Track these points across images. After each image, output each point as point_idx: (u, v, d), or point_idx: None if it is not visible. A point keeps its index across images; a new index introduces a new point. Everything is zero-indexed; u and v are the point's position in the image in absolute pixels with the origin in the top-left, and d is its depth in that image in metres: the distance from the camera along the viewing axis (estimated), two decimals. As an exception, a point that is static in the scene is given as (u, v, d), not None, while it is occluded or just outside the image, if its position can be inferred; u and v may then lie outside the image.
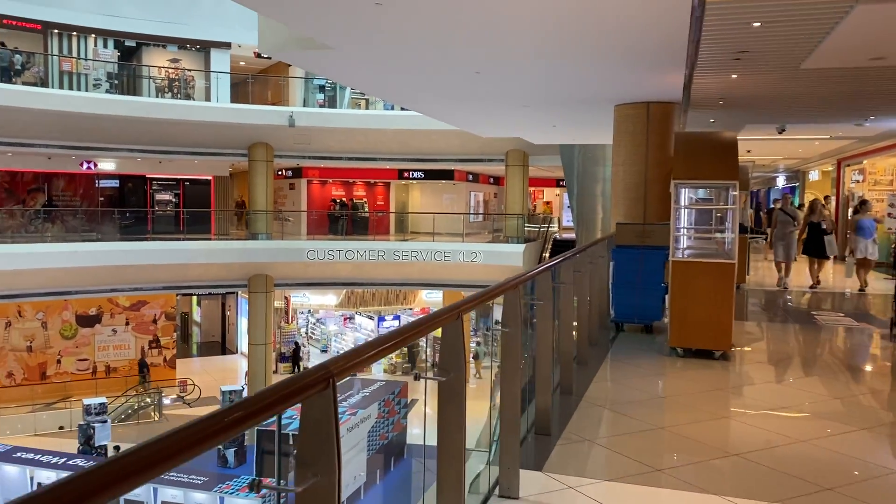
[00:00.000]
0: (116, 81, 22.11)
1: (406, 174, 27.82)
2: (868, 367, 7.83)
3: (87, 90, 20.95)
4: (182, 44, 23.45)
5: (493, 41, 7.33)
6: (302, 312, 30.15)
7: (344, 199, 28.14)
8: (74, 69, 21.64)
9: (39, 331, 23.15)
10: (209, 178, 26.15)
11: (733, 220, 7.31)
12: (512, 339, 3.76)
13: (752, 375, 7.04)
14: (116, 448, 17.39)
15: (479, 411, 4.64)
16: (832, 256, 13.44)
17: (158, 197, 25.40)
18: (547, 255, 23.53)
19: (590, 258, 7.37)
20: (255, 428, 13.85)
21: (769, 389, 6.54)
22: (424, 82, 9.99)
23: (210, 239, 22.98)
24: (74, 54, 22.05)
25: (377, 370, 26.83)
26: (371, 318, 28.22)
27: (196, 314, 32.51)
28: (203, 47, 23.61)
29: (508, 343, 3.79)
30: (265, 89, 25.80)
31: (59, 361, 23.45)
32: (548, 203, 34.78)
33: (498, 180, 31.29)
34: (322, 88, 24.66)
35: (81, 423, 17.39)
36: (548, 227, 25.52)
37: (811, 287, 12.95)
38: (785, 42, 6.82)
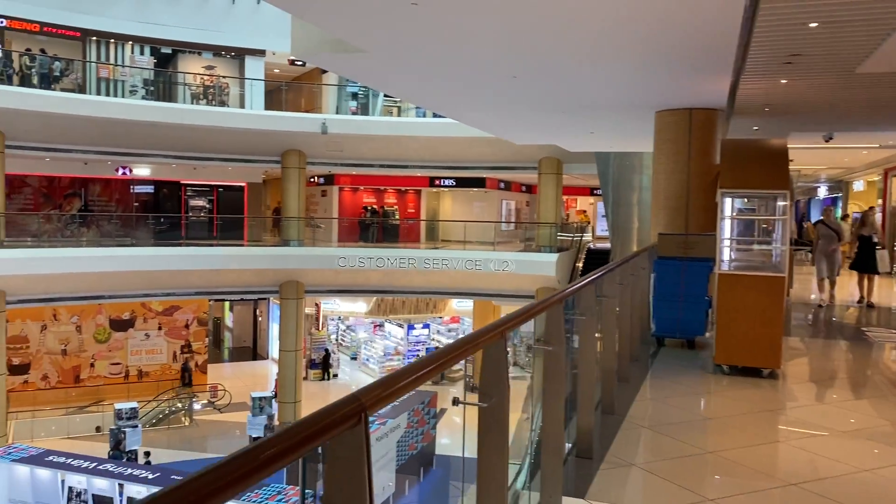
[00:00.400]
0: (152, 88, 22.32)
1: (437, 182, 27.62)
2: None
3: (123, 97, 21.17)
4: (217, 51, 23.62)
5: (532, 43, 7.08)
6: (332, 319, 30.12)
7: (375, 206, 28.05)
8: (112, 76, 21.89)
9: (74, 334, 23.40)
10: (243, 184, 26.27)
11: (783, 232, 6.94)
12: (555, 358, 3.50)
13: (803, 396, 6.66)
14: (147, 453, 17.41)
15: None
16: (884, 272, 12.38)
17: (192, 203, 25.56)
18: (580, 265, 23.12)
19: (632, 270, 7.06)
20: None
21: (822, 411, 6.16)
22: (460, 87, 9.77)
23: (243, 245, 23.04)
24: (112, 61, 22.32)
25: (407, 379, 26.62)
26: (401, 325, 28.06)
27: (228, 319, 32.69)
28: (238, 55, 23.75)
29: (552, 362, 3.52)
30: (298, 97, 25.87)
31: (92, 365, 23.68)
32: (584, 212, 34.31)
33: (530, 188, 30.96)
34: (355, 96, 24.63)
35: (112, 427, 17.48)
36: (581, 237, 25.08)
37: (858, 302, 12.15)
38: (841, 45, 6.46)
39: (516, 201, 32.30)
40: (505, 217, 30.41)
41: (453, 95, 10.61)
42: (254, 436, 17.71)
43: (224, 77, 23.58)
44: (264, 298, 28.26)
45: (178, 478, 8.92)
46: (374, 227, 25.35)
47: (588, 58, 7.72)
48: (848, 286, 13.36)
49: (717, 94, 9.25)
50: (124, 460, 16.37)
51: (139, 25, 22.01)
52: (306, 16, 6.51)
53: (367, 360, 28.15)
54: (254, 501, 8.72)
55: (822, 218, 12.76)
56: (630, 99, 10.02)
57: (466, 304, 28.05)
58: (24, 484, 12.51)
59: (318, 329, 28.64)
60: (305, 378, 24.63)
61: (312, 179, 27.59)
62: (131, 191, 24.74)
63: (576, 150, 19.28)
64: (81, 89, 20.72)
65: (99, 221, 22.94)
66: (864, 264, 11.97)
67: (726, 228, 7.39)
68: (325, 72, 25.07)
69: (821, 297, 12.11)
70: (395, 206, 28.94)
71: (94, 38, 21.95)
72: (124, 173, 23.76)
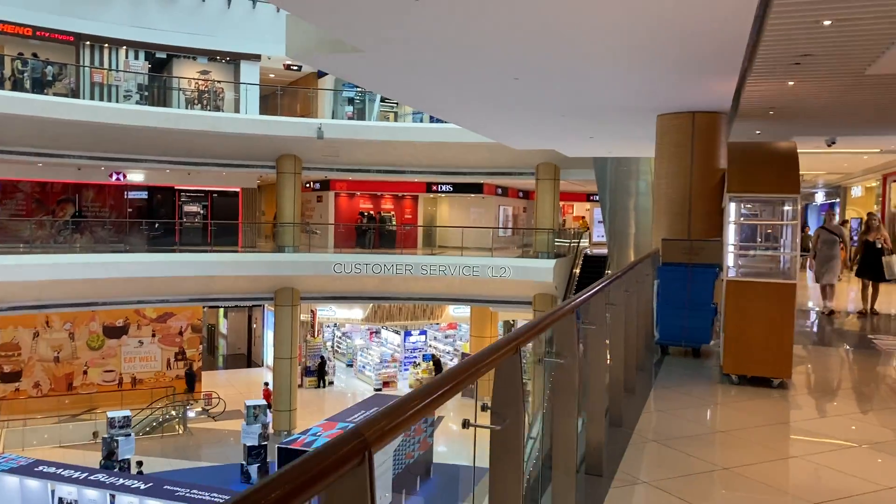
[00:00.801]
0: (147, 93, 22.12)
1: (434, 187, 27.44)
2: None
3: (117, 102, 20.95)
4: (212, 56, 23.41)
5: (535, 44, 6.88)
6: (328, 326, 29.85)
7: (371, 212, 27.84)
8: (105, 81, 21.66)
9: (67, 341, 23.09)
10: (237, 190, 26.03)
11: (793, 237, 6.75)
12: (567, 371, 3.28)
13: (816, 407, 6.45)
14: (139, 463, 17.13)
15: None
16: (891, 279, 11.66)
17: (187, 209, 25.31)
18: (578, 270, 22.95)
19: (637, 276, 6.85)
20: (277, 445, 13.51)
21: (838, 424, 5.95)
22: (460, 89, 9.57)
23: (237, 251, 22.81)
24: (106, 66, 22.09)
25: (403, 386, 26.39)
26: (397, 332, 27.82)
27: (222, 326, 32.39)
28: (233, 59, 23.55)
29: (562, 376, 3.30)
30: (294, 101, 25.67)
31: (85, 372, 23.37)
32: (583, 218, 34.19)
33: (527, 194, 30.80)
34: (351, 101, 24.47)
35: (105, 436, 17.20)
36: (578, 243, 24.92)
37: (861, 313, 11.62)
38: (853, 44, 6.28)
39: (513, 207, 32.13)
40: (502, 223, 30.24)
41: (452, 98, 10.41)
42: (248, 444, 17.44)
43: (219, 82, 23.38)
44: (259, 305, 28.00)
45: (171, 487, 8.54)
46: (371, 233, 25.12)
47: (592, 59, 7.53)
48: (847, 293, 13.13)
49: (722, 96, 9.06)
50: (116, 470, 16.12)
51: (133, 30, 21.80)
52: (305, 14, 6.30)
53: (364, 367, 27.88)
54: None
55: (823, 223, 12.38)
56: (632, 101, 9.83)
57: (464, 311, 27.83)
58: (14, 494, 12.25)
59: (313, 336, 28.37)
60: (301, 386, 24.35)
61: (308, 185, 27.37)
62: (125, 196, 24.48)
63: (575, 156, 19.10)
64: (75, 94, 20.50)
65: (92, 227, 22.68)
66: (870, 271, 11.50)
67: (734, 234, 7.20)
68: (320, 76, 24.88)
69: (825, 305, 11.64)
70: (392, 212, 28.73)
71: (88, 42, 21.72)
72: (118, 179, 23.50)
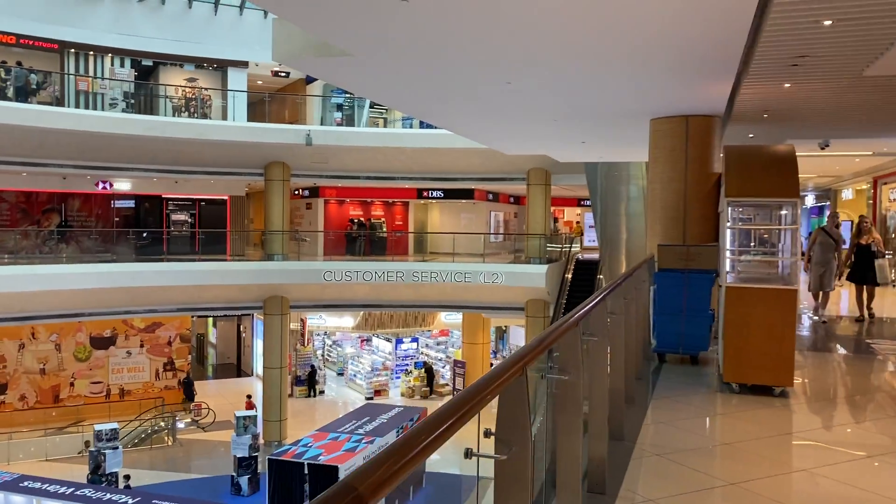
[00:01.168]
0: (133, 101, 21.85)
1: (425, 193, 27.25)
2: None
3: (103, 110, 20.68)
4: (199, 63, 23.18)
5: (527, 47, 6.73)
6: (318, 335, 29.57)
7: (362, 218, 27.62)
8: (91, 89, 21.40)
9: (53, 353, 22.76)
10: (225, 197, 25.76)
11: (793, 242, 6.61)
12: (572, 388, 3.10)
13: (821, 416, 6.29)
14: (126, 477, 16.81)
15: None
16: (883, 283, 11.35)
17: (174, 217, 25.01)
18: (569, 276, 22.85)
19: (635, 283, 6.69)
20: (268, 457, 13.28)
21: (845, 434, 5.80)
22: (451, 94, 9.40)
23: (226, 260, 22.55)
24: (91, 74, 21.82)
25: (395, 394, 26.15)
26: (389, 340, 27.60)
27: (212, 336, 32.06)
28: (220, 66, 23.33)
29: (567, 392, 3.13)
30: (282, 108, 25.47)
31: (72, 384, 23.04)
32: (578, 223, 34.14)
33: (518, 200, 30.67)
34: (340, 107, 24.30)
35: (92, 449, 16.87)
36: (570, 247, 24.81)
37: (857, 320, 11.32)
38: (852, 45, 6.17)
39: (505, 213, 32.00)
40: (493, 228, 30.09)
41: (442, 102, 10.24)
42: (238, 455, 17.15)
43: (206, 89, 23.15)
44: (248, 314, 27.70)
45: (159, 502, 8.27)
46: (361, 240, 24.89)
47: (585, 62, 7.39)
48: (841, 297, 13.00)
49: (716, 100, 8.95)
50: (103, 484, 15.80)
51: (119, 37, 21.55)
52: (288, 14, 6.13)
53: (354, 375, 27.62)
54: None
55: (824, 225, 12.03)
56: (625, 105, 9.71)
57: (455, 317, 27.66)
58: (-3, 512, 11.96)
59: (303, 345, 28.10)
60: (291, 395, 24.07)
61: (297, 192, 27.14)
62: (112, 205, 24.16)
63: (566, 161, 19.00)
64: (59, 102, 20.22)
65: (79, 237, 22.36)
66: (863, 276, 11.22)
67: (731, 239, 7.06)
68: (309, 83, 24.70)
69: (821, 314, 11.20)
70: (383, 219, 28.52)
71: (73, 50, 21.44)
72: (104, 188, 23.20)
